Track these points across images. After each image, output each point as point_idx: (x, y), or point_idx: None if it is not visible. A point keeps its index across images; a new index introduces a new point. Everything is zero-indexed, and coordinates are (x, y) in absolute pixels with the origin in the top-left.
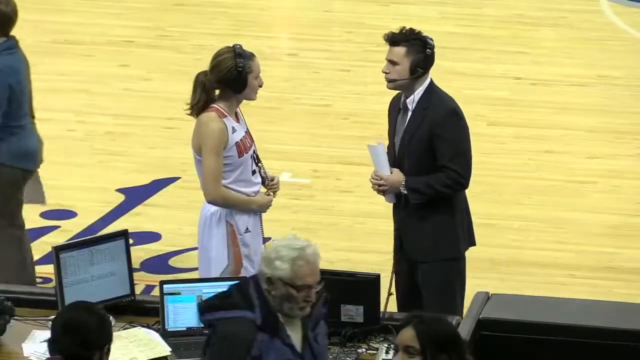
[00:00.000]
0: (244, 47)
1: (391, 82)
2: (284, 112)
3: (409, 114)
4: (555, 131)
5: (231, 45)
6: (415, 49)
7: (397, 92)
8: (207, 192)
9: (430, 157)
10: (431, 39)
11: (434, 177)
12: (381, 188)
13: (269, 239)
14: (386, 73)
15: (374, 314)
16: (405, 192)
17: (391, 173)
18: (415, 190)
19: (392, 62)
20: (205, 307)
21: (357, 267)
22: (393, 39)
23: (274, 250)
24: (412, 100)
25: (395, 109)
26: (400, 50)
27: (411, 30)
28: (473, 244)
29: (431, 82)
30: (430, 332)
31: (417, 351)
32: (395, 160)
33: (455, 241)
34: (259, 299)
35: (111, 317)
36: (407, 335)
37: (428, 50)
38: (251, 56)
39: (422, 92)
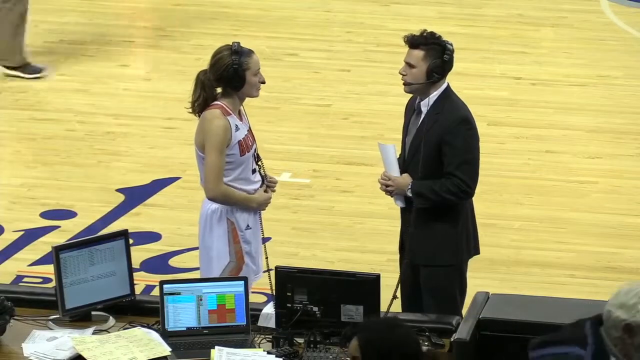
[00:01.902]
0: (244, 46)
1: (407, 85)
2: (283, 112)
3: (422, 116)
4: (555, 131)
5: (230, 43)
6: (433, 53)
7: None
8: (208, 189)
9: (437, 161)
10: (451, 44)
11: (440, 183)
12: (388, 189)
13: (269, 239)
14: (403, 75)
15: (374, 314)
16: (410, 195)
17: (400, 175)
18: (420, 195)
19: (409, 65)
20: (536, 344)
21: (357, 267)
22: (412, 42)
23: (637, 294)
24: (426, 104)
25: (411, 109)
26: (419, 53)
27: (432, 34)
28: (477, 252)
29: (447, 88)
30: (370, 341)
31: None
32: (404, 161)
33: (457, 249)
34: (594, 338)
35: (111, 317)
36: (352, 345)
37: (446, 56)
38: (249, 53)
39: (436, 96)
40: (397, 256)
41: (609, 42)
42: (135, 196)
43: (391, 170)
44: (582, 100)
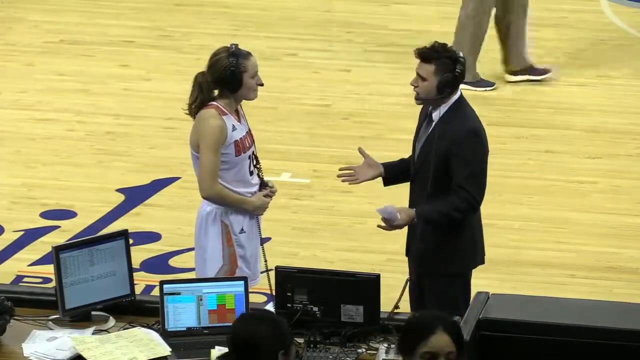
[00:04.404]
0: (244, 47)
1: (418, 99)
2: (283, 112)
3: (433, 124)
4: (555, 131)
5: (229, 44)
6: (444, 67)
7: None
8: (202, 188)
9: (445, 171)
10: (462, 57)
11: (446, 203)
12: (395, 230)
13: (269, 239)
14: (414, 86)
15: (374, 314)
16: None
17: (399, 216)
18: (430, 221)
19: (420, 77)
20: None
21: (357, 267)
22: (423, 55)
23: None
24: (437, 114)
25: (423, 114)
26: (430, 67)
27: (443, 46)
28: (482, 262)
29: (460, 98)
30: (460, 334)
31: (455, 355)
32: (414, 165)
33: (461, 259)
34: None
35: (111, 317)
36: (444, 341)
37: (457, 70)
38: (247, 55)
39: (448, 106)
40: (397, 256)
41: (609, 42)
42: (135, 196)
43: (395, 221)
44: (582, 100)
